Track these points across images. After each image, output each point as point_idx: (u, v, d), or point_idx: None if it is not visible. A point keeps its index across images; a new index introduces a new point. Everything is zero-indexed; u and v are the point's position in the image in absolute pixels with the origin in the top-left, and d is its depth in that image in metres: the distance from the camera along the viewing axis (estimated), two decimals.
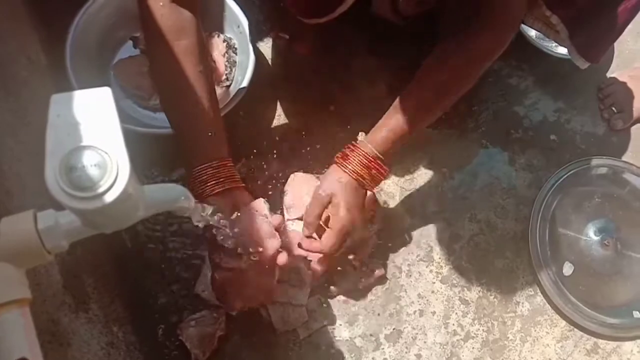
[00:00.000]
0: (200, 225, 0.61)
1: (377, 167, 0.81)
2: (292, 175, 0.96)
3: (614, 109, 1.12)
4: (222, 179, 0.74)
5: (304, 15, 0.89)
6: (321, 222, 0.83)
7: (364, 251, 0.94)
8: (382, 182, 0.86)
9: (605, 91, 1.14)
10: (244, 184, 0.79)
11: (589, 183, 1.05)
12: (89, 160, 0.38)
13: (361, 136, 0.82)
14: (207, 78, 0.75)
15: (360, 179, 0.80)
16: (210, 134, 0.75)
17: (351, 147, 0.82)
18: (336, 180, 0.81)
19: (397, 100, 0.81)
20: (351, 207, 0.80)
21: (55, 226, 0.43)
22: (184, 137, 0.76)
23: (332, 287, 0.92)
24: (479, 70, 0.81)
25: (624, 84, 1.13)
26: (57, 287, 0.59)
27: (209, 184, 0.73)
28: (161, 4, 0.70)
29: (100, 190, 0.37)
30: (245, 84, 0.96)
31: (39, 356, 0.41)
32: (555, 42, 0.96)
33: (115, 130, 0.39)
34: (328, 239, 0.80)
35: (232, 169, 0.77)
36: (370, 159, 0.80)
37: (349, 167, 0.80)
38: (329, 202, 0.81)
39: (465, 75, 0.80)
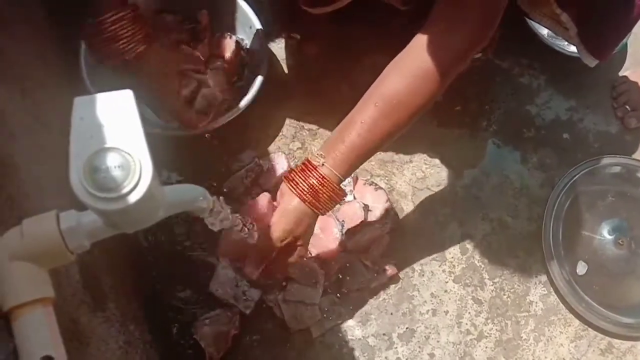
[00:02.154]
0: (215, 229, 0.61)
1: (338, 195, 0.71)
2: None
3: (627, 107, 1.11)
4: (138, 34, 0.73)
5: (310, 4, 0.89)
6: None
7: (376, 250, 0.95)
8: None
9: (618, 89, 1.13)
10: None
11: (602, 182, 1.05)
12: (112, 162, 0.38)
13: (315, 155, 0.71)
14: None
15: (323, 210, 0.72)
16: None
17: (313, 173, 0.70)
18: (282, 191, 0.72)
19: (354, 110, 0.72)
20: (280, 213, 0.72)
21: (78, 226, 0.44)
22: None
23: (344, 287, 0.92)
24: (454, 65, 0.71)
25: (639, 82, 1.12)
26: (76, 286, 0.59)
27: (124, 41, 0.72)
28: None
29: (124, 191, 0.38)
30: (259, 79, 0.96)
31: (63, 354, 0.42)
32: (564, 38, 0.95)
33: (138, 132, 0.40)
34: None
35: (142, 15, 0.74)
36: (336, 188, 0.70)
37: (291, 177, 0.71)
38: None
39: (432, 75, 0.69)
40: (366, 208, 0.94)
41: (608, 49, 0.90)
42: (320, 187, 0.69)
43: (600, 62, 0.91)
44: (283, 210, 0.71)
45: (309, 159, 0.71)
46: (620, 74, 1.18)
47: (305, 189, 0.69)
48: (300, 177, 0.70)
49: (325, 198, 0.70)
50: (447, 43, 0.69)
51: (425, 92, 0.70)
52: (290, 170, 0.72)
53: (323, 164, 0.70)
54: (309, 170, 0.70)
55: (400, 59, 0.71)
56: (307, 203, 0.70)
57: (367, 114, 0.70)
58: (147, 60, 0.81)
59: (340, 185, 0.71)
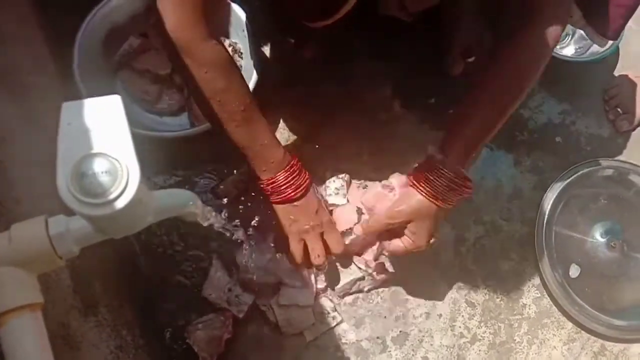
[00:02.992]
0: (216, 227, 0.62)
1: (465, 187, 0.74)
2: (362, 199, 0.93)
3: (619, 110, 1.12)
4: (300, 182, 0.79)
5: (309, 19, 0.89)
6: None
7: (369, 254, 0.95)
8: None
9: (610, 92, 1.14)
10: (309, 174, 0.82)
11: (594, 185, 1.05)
12: (99, 167, 0.38)
13: (432, 149, 0.77)
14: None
15: (449, 205, 0.75)
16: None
17: (433, 168, 0.74)
18: (419, 209, 0.76)
19: (464, 106, 0.78)
20: (430, 235, 0.79)
21: (66, 232, 0.44)
22: (254, 154, 0.77)
23: (338, 290, 0.92)
24: (539, 67, 0.76)
25: (630, 85, 1.13)
26: (67, 291, 0.59)
27: (304, 177, 0.79)
28: (211, 42, 0.69)
29: (111, 196, 0.38)
30: (253, 80, 0.96)
31: None
32: (570, 25, 0.95)
33: (126, 137, 0.40)
34: (396, 250, 0.81)
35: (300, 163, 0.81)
36: (458, 181, 0.73)
37: (438, 195, 0.74)
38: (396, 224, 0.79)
39: (527, 74, 0.76)
40: (359, 211, 0.94)
41: (618, 26, 0.89)
42: (441, 183, 0.73)
43: (595, 63, 0.91)
44: (412, 209, 0.76)
45: (431, 159, 0.76)
46: (615, 74, 1.18)
47: (438, 192, 0.74)
48: (422, 176, 0.75)
49: (446, 193, 0.74)
50: (529, 42, 0.74)
51: (530, 79, 0.76)
52: (417, 173, 0.77)
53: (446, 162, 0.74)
54: (434, 173, 0.74)
55: (492, 67, 0.77)
56: (439, 203, 0.74)
57: (478, 108, 0.76)
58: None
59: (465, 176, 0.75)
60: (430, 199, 0.74)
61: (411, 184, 0.77)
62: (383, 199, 0.83)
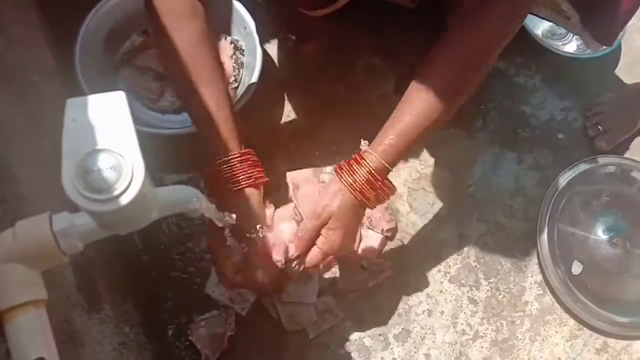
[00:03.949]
0: (219, 224, 0.62)
1: (383, 185, 0.73)
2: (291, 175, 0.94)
3: (599, 127, 1.09)
4: (258, 170, 0.75)
5: (308, 7, 0.89)
6: None
7: (372, 251, 0.95)
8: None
9: (595, 109, 1.11)
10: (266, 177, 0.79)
11: (597, 182, 1.05)
12: (104, 163, 0.38)
13: (364, 145, 0.75)
14: (220, 64, 0.74)
15: (365, 200, 0.73)
16: (234, 123, 0.74)
17: (357, 159, 0.73)
18: (339, 200, 0.73)
19: (402, 101, 0.74)
20: (347, 232, 0.75)
21: (70, 228, 0.44)
22: (207, 125, 0.74)
23: (340, 287, 0.92)
24: (487, 58, 0.73)
25: (613, 103, 1.10)
26: (70, 288, 0.59)
27: (245, 172, 0.74)
28: None
29: (116, 192, 0.38)
30: (254, 79, 0.96)
31: (55, 356, 0.42)
32: (565, 28, 0.94)
33: (130, 133, 0.40)
34: (314, 258, 0.76)
35: (255, 158, 0.77)
36: (377, 175, 0.72)
37: (355, 185, 0.72)
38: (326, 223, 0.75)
39: (473, 64, 0.73)
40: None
41: (612, 34, 0.89)
42: (370, 179, 0.71)
43: (594, 61, 0.91)
44: (345, 230, 0.74)
45: (359, 152, 0.74)
46: (615, 73, 1.18)
47: (355, 181, 0.72)
48: (348, 169, 0.73)
49: (373, 191, 0.72)
50: (478, 29, 0.71)
51: (463, 81, 0.73)
52: (341, 164, 0.75)
53: (370, 154, 0.72)
54: (357, 163, 0.72)
55: (438, 50, 0.73)
56: (357, 194, 0.72)
57: (412, 105, 0.72)
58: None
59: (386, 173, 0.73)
60: (349, 188, 0.72)
61: (336, 172, 0.75)
62: (311, 182, 0.81)
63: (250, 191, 0.76)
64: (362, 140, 0.76)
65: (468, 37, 0.71)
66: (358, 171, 0.72)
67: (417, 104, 0.72)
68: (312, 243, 0.76)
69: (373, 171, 0.71)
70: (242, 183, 0.74)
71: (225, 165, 0.74)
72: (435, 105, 0.71)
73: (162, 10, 0.70)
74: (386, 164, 0.72)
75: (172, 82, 0.76)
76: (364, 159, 0.72)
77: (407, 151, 0.73)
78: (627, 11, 0.86)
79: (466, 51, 0.72)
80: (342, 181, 0.73)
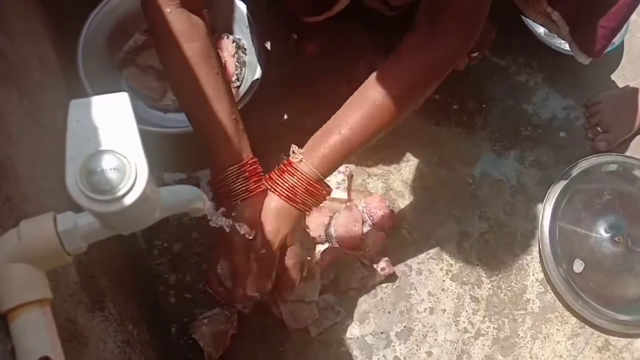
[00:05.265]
0: (217, 225, 0.62)
1: (319, 191, 0.73)
2: None
3: (599, 129, 1.09)
4: (248, 182, 0.73)
5: (303, 13, 0.89)
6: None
7: (373, 249, 0.95)
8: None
9: (592, 109, 1.11)
10: (266, 187, 0.76)
11: (598, 180, 1.05)
12: (108, 164, 0.39)
13: (296, 152, 0.73)
14: (224, 79, 0.75)
15: (303, 207, 0.73)
16: (237, 135, 0.74)
17: (290, 170, 0.72)
18: (265, 210, 0.73)
19: (342, 109, 0.74)
20: (274, 243, 0.73)
21: (74, 228, 0.44)
22: (210, 139, 0.74)
23: (342, 285, 0.93)
24: (433, 82, 0.75)
25: (612, 103, 1.10)
26: (74, 287, 0.60)
27: (243, 186, 0.73)
28: (169, 10, 0.70)
29: (120, 193, 0.38)
30: (257, 75, 0.96)
31: (60, 355, 0.42)
32: (557, 36, 0.95)
33: (133, 134, 0.40)
34: (255, 284, 0.74)
35: (259, 167, 0.76)
36: (314, 183, 0.72)
37: (296, 197, 0.72)
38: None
39: (420, 85, 0.74)
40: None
41: (600, 47, 0.90)
42: (297, 184, 0.71)
43: (593, 59, 0.91)
44: (265, 211, 0.73)
45: (289, 158, 0.74)
46: (616, 71, 1.18)
47: (284, 188, 0.72)
48: (278, 176, 0.73)
49: (303, 195, 0.72)
50: (428, 53, 0.72)
51: (409, 98, 0.74)
52: (272, 171, 0.75)
53: (301, 161, 0.72)
54: (286, 169, 0.73)
55: (385, 68, 0.74)
56: (285, 200, 0.72)
57: (351, 116, 0.72)
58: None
59: (323, 181, 0.73)
60: (267, 181, 0.74)
61: (267, 183, 0.75)
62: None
63: (248, 202, 0.74)
64: (292, 145, 0.74)
65: (418, 60, 0.72)
66: (290, 179, 0.72)
67: (356, 116, 0.72)
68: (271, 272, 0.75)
69: (310, 179, 0.72)
70: (240, 196, 0.74)
71: (221, 183, 0.74)
72: (375, 119, 0.72)
73: (161, 31, 0.72)
74: (319, 174, 0.72)
75: (178, 102, 0.78)
76: (297, 169, 0.72)
77: (340, 162, 0.74)
78: (614, 28, 0.88)
79: (414, 73, 0.72)
80: (271, 188, 0.74)
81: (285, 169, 0.73)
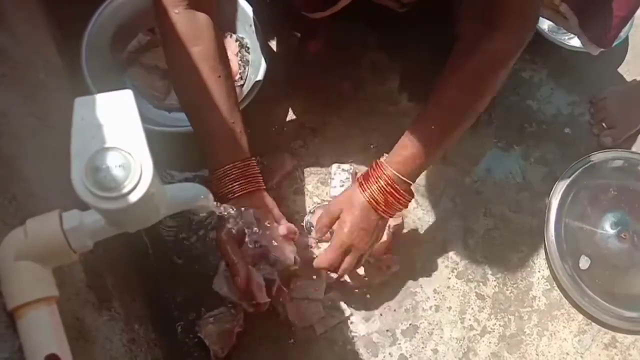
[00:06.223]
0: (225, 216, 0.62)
1: (396, 194, 0.77)
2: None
3: (604, 124, 1.09)
4: (243, 182, 0.74)
5: (307, 9, 0.89)
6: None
7: (379, 248, 0.95)
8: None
9: (597, 105, 1.11)
10: (264, 186, 0.78)
11: (604, 176, 1.05)
12: (113, 162, 0.39)
13: (384, 157, 0.80)
14: (227, 81, 0.75)
15: (374, 203, 0.78)
16: (231, 136, 0.75)
17: (374, 167, 0.79)
18: (350, 198, 0.79)
19: (418, 115, 0.79)
20: (355, 228, 0.78)
21: (80, 226, 0.45)
22: (205, 141, 0.76)
23: (347, 284, 0.93)
24: (498, 73, 0.77)
25: (618, 99, 1.10)
26: (80, 285, 0.60)
27: (231, 186, 0.73)
28: (176, 11, 0.70)
29: (125, 190, 0.38)
30: (260, 77, 0.96)
31: (67, 352, 0.43)
32: (564, 29, 0.95)
33: (138, 131, 0.40)
34: (324, 255, 0.80)
35: (254, 169, 0.76)
36: (390, 185, 0.77)
37: (367, 190, 0.78)
38: (338, 217, 0.80)
39: (485, 80, 0.77)
40: None
41: (610, 36, 0.89)
42: (387, 191, 0.77)
43: (599, 54, 0.91)
44: (352, 225, 0.78)
45: (378, 163, 0.79)
46: (619, 70, 1.17)
47: (375, 193, 0.77)
48: (370, 182, 0.78)
49: (392, 202, 0.78)
50: (487, 51, 0.74)
51: (472, 100, 0.77)
52: (361, 176, 0.81)
53: (386, 166, 0.77)
54: (377, 175, 0.78)
55: (449, 69, 0.77)
56: (375, 205, 0.78)
57: (424, 123, 0.77)
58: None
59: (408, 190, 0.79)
60: (362, 191, 0.78)
61: (357, 181, 0.81)
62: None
63: (241, 200, 0.75)
64: (384, 154, 0.80)
65: (492, 48, 0.74)
66: (372, 176, 0.78)
67: (431, 123, 0.76)
68: (325, 231, 0.83)
69: (389, 181, 0.77)
70: (235, 194, 0.74)
71: (212, 183, 0.75)
72: (448, 125, 0.77)
73: (167, 32, 0.72)
74: (401, 177, 0.77)
75: (179, 103, 0.81)
76: (380, 168, 0.78)
77: (421, 167, 0.78)
78: (624, 17, 0.87)
79: (492, 61, 0.75)
80: (358, 186, 0.79)
81: (376, 176, 0.78)
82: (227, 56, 0.77)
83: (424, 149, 0.76)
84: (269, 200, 0.78)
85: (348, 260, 0.80)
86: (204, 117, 0.74)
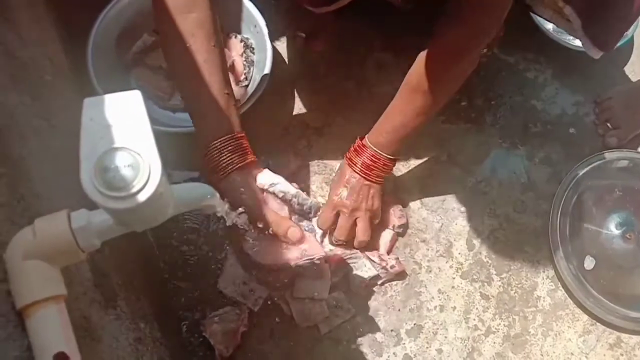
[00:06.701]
0: (228, 222, 0.62)
1: (381, 165, 0.89)
2: None
3: (609, 124, 1.09)
4: (240, 153, 0.76)
5: (313, 4, 0.89)
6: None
7: (383, 247, 0.95)
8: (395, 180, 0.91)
9: (602, 105, 1.11)
10: (255, 158, 0.81)
11: (609, 176, 1.04)
12: (122, 161, 0.39)
13: (365, 139, 0.90)
14: (220, 52, 0.74)
15: (366, 177, 0.89)
16: (222, 110, 0.75)
17: (356, 145, 0.91)
18: (345, 179, 0.90)
19: (394, 100, 0.88)
20: (352, 193, 0.89)
21: (88, 225, 0.45)
22: (199, 113, 0.76)
23: (352, 283, 0.93)
24: (456, 61, 0.82)
25: (623, 99, 1.09)
26: (87, 284, 0.60)
27: (227, 158, 0.75)
28: None
29: (134, 190, 0.39)
30: (266, 70, 0.97)
31: (76, 351, 0.43)
32: (567, 31, 0.95)
33: (147, 131, 0.41)
34: (320, 216, 0.90)
35: (247, 141, 0.79)
36: (374, 156, 0.88)
37: (356, 166, 0.89)
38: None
39: (447, 68, 0.83)
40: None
41: (612, 40, 0.89)
42: (372, 164, 0.89)
43: (604, 53, 0.91)
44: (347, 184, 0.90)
45: (362, 142, 0.90)
46: (625, 70, 1.17)
47: (362, 166, 0.89)
48: (355, 157, 0.90)
49: (377, 172, 0.89)
50: (453, 34, 0.79)
51: (438, 79, 0.83)
52: (349, 153, 0.92)
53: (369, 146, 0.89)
54: (361, 152, 0.90)
55: (419, 56, 0.84)
56: (364, 176, 0.89)
57: (396, 100, 0.88)
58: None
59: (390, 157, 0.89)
60: (352, 168, 0.90)
61: (345, 161, 0.92)
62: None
63: (234, 177, 0.76)
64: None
65: (443, 40, 0.81)
66: (357, 152, 0.90)
67: (407, 105, 0.87)
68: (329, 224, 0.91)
69: (373, 155, 0.89)
70: (225, 170, 0.75)
71: (207, 157, 0.76)
72: (423, 105, 0.85)
73: (160, 5, 0.72)
74: (383, 154, 0.88)
75: (171, 76, 0.85)
76: (364, 147, 0.90)
77: (400, 143, 0.89)
78: (629, 20, 0.88)
79: (449, 47, 0.81)
80: (347, 163, 0.91)
81: (360, 152, 0.90)
82: (219, 28, 0.77)
83: (399, 125, 0.87)
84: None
85: (341, 222, 0.89)
86: (198, 88, 0.74)
